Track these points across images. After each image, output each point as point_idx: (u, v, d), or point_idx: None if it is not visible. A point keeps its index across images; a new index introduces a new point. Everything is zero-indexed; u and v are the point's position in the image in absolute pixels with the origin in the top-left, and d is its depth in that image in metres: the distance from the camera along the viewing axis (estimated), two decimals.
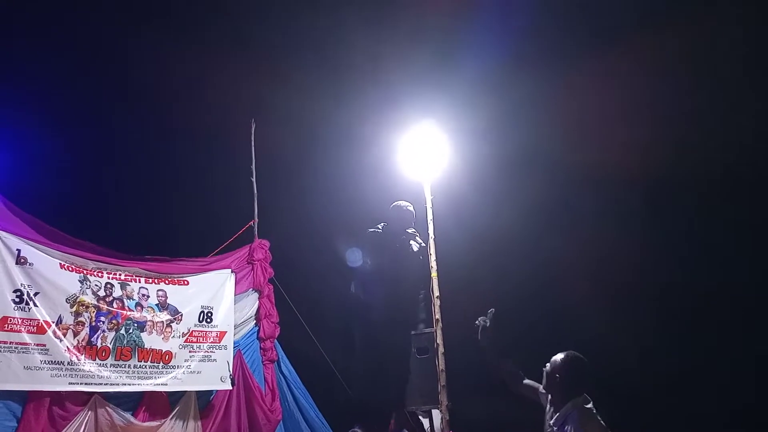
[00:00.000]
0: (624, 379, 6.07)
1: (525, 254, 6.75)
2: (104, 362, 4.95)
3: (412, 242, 5.23)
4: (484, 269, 6.56)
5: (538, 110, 6.94)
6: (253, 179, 6.33)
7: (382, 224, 5.26)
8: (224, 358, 5.55)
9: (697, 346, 6.21)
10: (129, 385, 5.02)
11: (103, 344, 5.00)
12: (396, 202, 5.32)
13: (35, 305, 4.73)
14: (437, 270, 5.29)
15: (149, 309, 5.33)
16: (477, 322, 3.78)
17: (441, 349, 5.04)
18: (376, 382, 4.88)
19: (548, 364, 3.31)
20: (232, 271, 5.85)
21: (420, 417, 4.99)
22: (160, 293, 5.44)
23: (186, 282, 5.60)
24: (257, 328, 5.94)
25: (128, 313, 5.20)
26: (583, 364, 3.26)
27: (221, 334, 5.62)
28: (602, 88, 6.51)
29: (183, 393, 5.31)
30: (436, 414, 4.87)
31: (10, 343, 4.55)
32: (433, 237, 5.35)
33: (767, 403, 5.48)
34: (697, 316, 6.28)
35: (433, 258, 5.29)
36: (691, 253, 6.44)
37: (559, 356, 3.29)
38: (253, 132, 6.45)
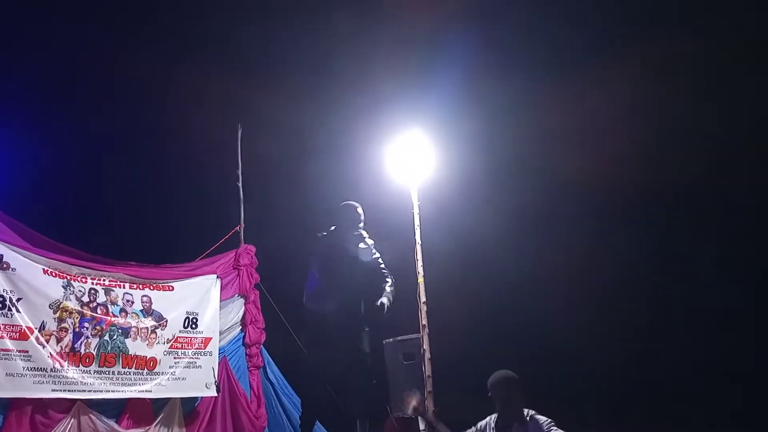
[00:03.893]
0: (610, 384, 6.17)
1: (511, 260, 6.83)
2: (88, 369, 4.88)
3: (360, 244, 4.88)
4: (470, 275, 6.63)
5: (523, 118, 7.05)
6: (240, 184, 6.32)
7: (332, 227, 4.98)
8: (209, 364, 5.51)
9: (682, 352, 6.33)
10: (113, 392, 4.95)
11: (87, 350, 4.93)
12: (346, 201, 5.03)
13: (18, 311, 4.65)
14: (423, 276, 5.34)
15: (134, 315, 5.27)
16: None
17: (427, 355, 5.09)
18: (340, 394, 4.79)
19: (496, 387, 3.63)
20: (217, 277, 5.81)
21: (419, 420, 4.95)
22: (145, 299, 5.39)
23: (171, 287, 5.55)
24: (243, 334, 5.90)
25: (112, 319, 5.13)
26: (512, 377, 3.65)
27: (206, 341, 5.58)
28: (588, 96, 6.63)
29: (168, 400, 5.25)
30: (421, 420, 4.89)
31: None
32: (420, 243, 5.41)
33: (760, 407, 5.60)
34: (684, 321, 6.41)
35: (419, 264, 5.34)
36: (676, 259, 6.57)
37: (498, 377, 3.66)
38: (239, 137, 6.45)
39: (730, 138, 6.46)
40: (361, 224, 4.91)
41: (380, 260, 4.91)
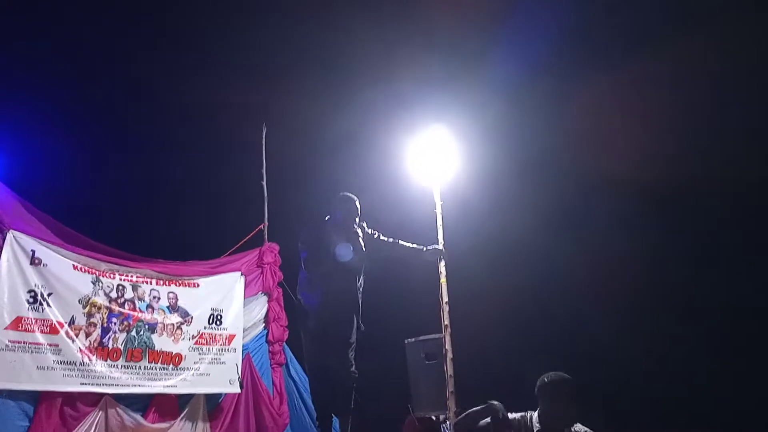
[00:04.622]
0: (641, 387, 6.00)
1: (536, 260, 6.71)
2: (115, 363, 4.99)
3: (359, 232, 4.84)
4: (493, 275, 6.53)
5: (550, 115, 6.90)
6: (264, 183, 6.37)
7: (327, 217, 4.92)
8: (233, 360, 5.58)
9: (713, 354, 6.13)
10: (139, 386, 5.06)
11: (115, 345, 5.04)
12: (344, 193, 4.93)
13: (48, 306, 4.77)
14: (446, 275, 5.27)
15: (160, 311, 5.37)
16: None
17: (450, 355, 5.02)
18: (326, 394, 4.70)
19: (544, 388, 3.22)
20: (241, 274, 5.88)
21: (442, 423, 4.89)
22: (171, 295, 5.48)
23: (196, 284, 5.64)
24: (266, 331, 5.97)
25: (139, 314, 5.24)
26: (566, 379, 3.25)
27: (230, 337, 5.65)
28: (617, 94, 6.45)
29: (192, 395, 5.34)
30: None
31: (24, 342, 4.59)
32: (443, 243, 5.34)
33: None
34: (715, 323, 6.20)
35: (442, 263, 5.28)
36: (707, 261, 6.36)
37: (550, 377, 3.25)
38: (264, 136, 6.49)
39: None
40: (358, 218, 4.85)
41: (379, 234, 4.91)
